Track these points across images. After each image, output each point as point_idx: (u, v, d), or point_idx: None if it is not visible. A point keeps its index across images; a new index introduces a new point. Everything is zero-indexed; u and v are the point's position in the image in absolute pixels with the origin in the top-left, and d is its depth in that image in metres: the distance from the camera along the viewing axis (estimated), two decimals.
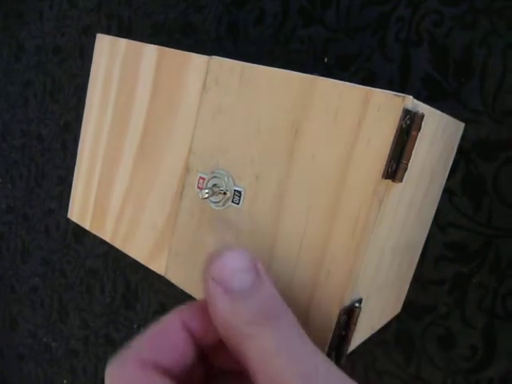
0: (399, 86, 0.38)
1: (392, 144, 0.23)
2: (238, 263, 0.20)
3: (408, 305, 0.38)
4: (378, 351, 0.41)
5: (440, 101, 0.37)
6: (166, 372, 0.20)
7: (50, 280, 0.79)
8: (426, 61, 0.37)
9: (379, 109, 0.23)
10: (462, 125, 0.35)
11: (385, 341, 0.40)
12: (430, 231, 0.37)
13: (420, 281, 0.38)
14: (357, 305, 0.25)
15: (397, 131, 0.23)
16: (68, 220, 0.41)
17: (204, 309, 0.21)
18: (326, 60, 0.44)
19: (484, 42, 0.35)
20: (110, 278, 0.68)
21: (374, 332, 0.32)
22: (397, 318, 0.38)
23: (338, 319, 0.24)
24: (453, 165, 0.35)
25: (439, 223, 0.37)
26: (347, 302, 0.25)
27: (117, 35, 0.36)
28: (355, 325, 0.25)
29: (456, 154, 0.35)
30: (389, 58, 0.39)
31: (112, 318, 0.68)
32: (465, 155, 0.36)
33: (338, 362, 0.25)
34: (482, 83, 0.35)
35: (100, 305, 0.70)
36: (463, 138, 0.35)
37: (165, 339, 0.20)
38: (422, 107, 0.24)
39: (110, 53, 0.36)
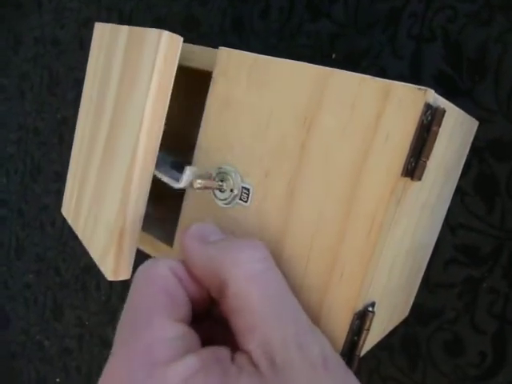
0: (411, 83, 0.37)
1: (412, 140, 0.21)
2: (210, 228, 0.24)
3: (415, 308, 0.37)
4: (383, 356, 0.40)
5: (453, 99, 0.36)
6: None
7: (45, 277, 0.77)
8: (439, 58, 0.36)
9: (399, 103, 0.22)
10: (476, 123, 0.34)
11: (390, 345, 0.39)
12: (440, 232, 0.36)
13: (429, 284, 0.37)
14: (370, 309, 0.24)
15: (417, 127, 0.21)
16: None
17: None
18: (333, 56, 0.43)
19: (499, 39, 0.34)
20: None
21: (383, 336, 0.31)
22: (403, 321, 0.37)
23: (351, 324, 0.23)
24: (465, 164, 0.34)
25: (450, 224, 0.36)
26: (360, 306, 0.23)
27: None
28: (368, 330, 0.24)
29: (469, 153, 0.34)
30: (400, 54, 0.38)
31: (108, 317, 0.67)
32: (478, 155, 0.34)
33: (349, 367, 0.24)
34: (496, 81, 0.34)
35: (95, 303, 0.69)
36: (476, 137, 0.34)
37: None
38: (442, 102, 0.23)
39: (108, 41, 0.35)
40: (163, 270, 0.22)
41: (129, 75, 0.30)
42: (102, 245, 0.31)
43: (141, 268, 0.22)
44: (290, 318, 0.20)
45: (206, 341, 0.23)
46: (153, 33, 0.28)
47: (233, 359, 0.20)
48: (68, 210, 0.39)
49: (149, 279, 0.22)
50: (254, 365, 0.19)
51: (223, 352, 0.20)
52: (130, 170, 0.28)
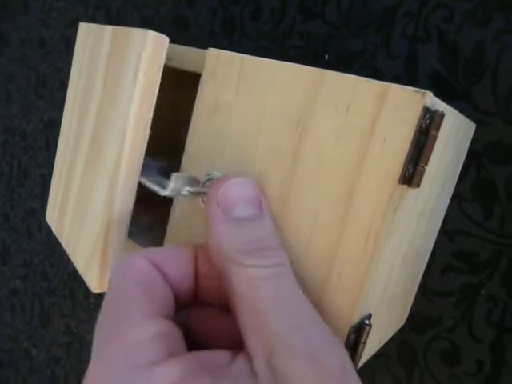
0: (406, 84, 0.36)
1: (410, 145, 0.20)
2: (244, 192, 0.21)
3: (412, 317, 0.36)
4: (378, 365, 0.39)
5: (449, 101, 0.35)
6: None
7: (32, 283, 0.76)
8: (435, 58, 0.35)
9: (396, 106, 0.21)
10: (474, 125, 0.33)
11: (386, 354, 0.38)
12: (437, 239, 0.35)
13: (426, 291, 0.36)
14: (366, 322, 0.23)
15: (416, 131, 0.20)
16: None
17: (172, 249, 0.22)
18: (326, 57, 0.42)
19: (497, 39, 0.33)
20: None
21: (380, 346, 0.30)
22: (399, 330, 0.36)
23: (347, 338, 0.22)
24: (462, 168, 0.33)
25: (447, 230, 0.35)
26: (356, 319, 0.22)
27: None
28: (365, 343, 0.23)
29: (466, 157, 0.33)
30: (394, 54, 0.37)
31: None
32: (475, 158, 0.34)
33: None
34: (494, 83, 0.33)
35: (84, 310, 0.67)
36: (474, 140, 0.33)
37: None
38: (440, 105, 0.22)
39: (93, 42, 0.33)
40: (138, 260, 0.20)
41: (113, 77, 0.29)
42: (86, 255, 0.29)
43: (116, 262, 0.21)
44: (301, 323, 0.18)
45: (197, 327, 0.21)
46: (138, 33, 0.27)
47: (232, 361, 0.18)
48: (52, 217, 0.37)
49: (123, 273, 0.20)
50: (253, 373, 0.17)
51: (216, 357, 0.18)
52: (115, 177, 0.26)
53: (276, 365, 0.17)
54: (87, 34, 0.34)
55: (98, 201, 0.28)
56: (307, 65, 0.23)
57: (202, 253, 0.22)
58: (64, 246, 0.33)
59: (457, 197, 0.34)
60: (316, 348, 0.17)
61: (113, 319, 0.19)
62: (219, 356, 0.18)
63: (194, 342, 0.21)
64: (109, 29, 0.30)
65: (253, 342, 0.18)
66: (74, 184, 0.33)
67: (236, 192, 0.21)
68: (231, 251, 0.19)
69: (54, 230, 0.36)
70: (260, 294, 0.18)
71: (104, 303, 0.19)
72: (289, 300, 0.18)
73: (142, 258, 0.20)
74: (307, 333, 0.17)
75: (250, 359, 0.18)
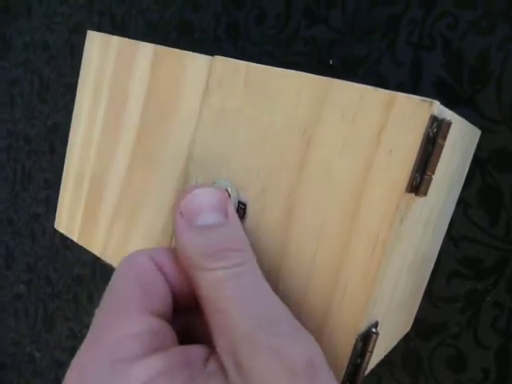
0: (410, 91, 0.36)
1: (417, 154, 0.20)
2: (207, 200, 0.21)
3: (417, 323, 0.36)
4: (383, 372, 0.39)
5: (454, 108, 0.35)
6: None
7: (35, 287, 0.76)
8: (439, 65, 0.35)
9: (403, 115, 0.21)
10: (479, 132, 0.33)
11: (391, 361, 0.38)
12: (442, 245, 0.35)
13: (431, 298, 0.36)
14: (373, 330, 0.23)
15: (423, 140, 0.20)
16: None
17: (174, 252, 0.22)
18: (331, 62, 0.42)
19: (502, 47, 0.33)
20: (99, 286, 0.65)
21: (386, 353, 0.30)
22: (404, 336, 0.36)
23: (355, 347, 0.22)
24: (468, 175, 0.33)
25: (453, 237, 0.35)
26: (364, 328, 0.22)
27: (109, 34, 0.34)
28: (372, 352, 0.23)
29: (471, 164, 0.33)
30: (399, 61, 0.37)
31: None
32: (481, 165, 0.33)
33: None
34: (499, 90, 0.33)
35: (88, 314, 0.67)
36: (479, 147, 0.33)
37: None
38: (447, 113, 0.22)
39: (101, 51, 0.34)
40: (142, 258, 0.21)
41: (162, 96, 0.30)
42: None
43: (123, 258, 0.21)
44: (264, 320, 0.18)
45: (191, 333, 0.22)
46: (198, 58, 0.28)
47: (207, 361, 0.19)
48: (70, 226, 0.37)
49: (125, 269, 0.20)
50: (224, 370, 0.17)
51: (197, 353, 0.19)
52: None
53: (241, 362, 0.17)
54: (106, 45, 0.34)
55: (157, 210, 0.30)
56: (311, 70, 0.23)
57: None
58: (100, 254, 0.34)
59: (462, 203, 0.34)
60: (281, 343, 0.17)
61: (106, 313, 0.19)
62: (197, 352, 0.19)
63: (193, 343, 0.21)
64: (148, 47, 0.31)
65: (220, 342, 0.18)
66: (109, 194, 0.33)
67: (198, 201, 0.21)
68: (195, 256, 0.19)
69: (75, 239, 0.36)
70: (223, 294, 0.18)
71: (103, 296, 0.20)
72: (251, 298, 0.19)
73: (146, 257, 0.21)
74: (271, 328, 0.18)
75: (219, 357, 0.18)
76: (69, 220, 0.37)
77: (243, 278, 0.19)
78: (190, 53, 0.29)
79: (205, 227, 0.20)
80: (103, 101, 0.34)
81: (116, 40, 0.33)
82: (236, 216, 0.22)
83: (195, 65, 0.28)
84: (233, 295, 0.18)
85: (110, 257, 0.33)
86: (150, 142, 0.31)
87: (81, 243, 0.35)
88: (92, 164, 0.35)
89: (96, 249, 0.34)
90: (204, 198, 0.21)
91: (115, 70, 0.33)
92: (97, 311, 0.20)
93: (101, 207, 0.34)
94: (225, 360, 0.18)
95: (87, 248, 0.35)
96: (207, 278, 0.19)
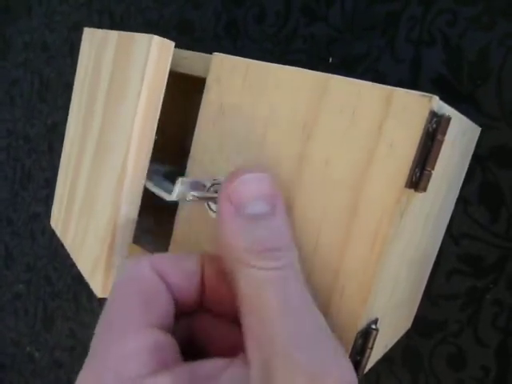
0: (410, 88, 0.36)
1: (417, 149, 0.20)
2: (257, 188, 0.20)
3: (417, 321, 0.36)
4: (383, 369, 0.39)
5: (454, 104, 0.35)
6: None
7: (35, 287, 0.76)
8: (439, 62, 0.35)
9: (403, 111, 0.21)
10: (479, 129, 0.33)
11: (391, 358, 0.38)
12: (442, 242, 0.34)
13: (431, 295, 0.35)
14: (373, 326, 0.23)
15: (422, 135, 0.20)
16: None
17: (179, 259, 0.21)
18: (330, 60, 0.42)
19: (502, 44, 0.33)
20: None
21: (386, 351, 0.30)
22: (404, 334, 0.36)
23: (355, 343, 0.22)
24: (468, 172, 0.33)
25: (453, 234, 0.35)
26: (364, 324, 0.22)
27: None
28: (371, 349, 0.23)
29: (471, 161, 0.33)
30: (399, 58, 0.37)
31: None
32: (481, 162, 0.33)
33: None
34: (498, 87, 0.33)
35: (88, 314, 0.67)
36: (479, 144, 0.33)
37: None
38: (447, 109, 0.22)
39: (98, 47, 0.34)
40: (143, 270, 0.20)
41: (119, 82, 0.29)
42: (91, 259, 0.29)
43: (122, 267, 0.20)
44: (306, 336, 0.17)
45: (201, 334, 0.21)
46: (143, 38, 0.27)
47: (224, 370, 0.17)
48: (56, 221, 0.37)
49: (126, 282, 0.20)
50: (245, 380, 0.17)
51: (208, 366, 0.18)
52: (121, 181, 0.26)
53: (272, 377, 0.16)
54: (92, 39, 0.34)
55: (104, 205, 0.28)
56: (311, 68, 0.23)
57: (208, 262, 0.21)
58: (68, 250, 0.33)
59: (462, 201, 0.34)
60: (319, 368, 0.16)
61: (109, 328, 0.18)
62: (212, 365, 0.18)
63: (196, 348, 0.21)
64: (114, 34, 0.31)
65: (253, 347, 0.17)
66: (79, 188, 0.33)
67: (249, 188, 0.20)
68: (240, 250, 0.18)
69: (58, 234, 0.36)
70: (265, 298, 0.17)
71: (104, 309, 0.19)
72: (295, 308, 0.17)
73: (148, 267, 0.20)
74: (311, 348, 0.17)
75: (246, 363, 0.17)
76: (57, 216, 0.37)
77: (288, 284, 0.18)
78: (139, 34, 0.27)
79: (253, 217, 0.19)
80: (84, 99, 0.34)
81: (115, 34, 0.33)
82: (283, 207, 0.21)
83: (137, 46, 0.27)
84: (277, 301, 0.17)
85: (73, 253, 0.32)
86: (107, 132, 0.30)
87: (61, 238, 0.35)
88: (73, 162, 0.34)
89: (68, 245, 0.34)
90: (255, 185, 0.20)
91: (94, 64, 0.32)
92: (99, 324, 0.19)
93: (74, 202, 0.33)
94: (252, 368, 0.17)
95: (64, 244, 0.34)
96: (250, 275, 0.18)
